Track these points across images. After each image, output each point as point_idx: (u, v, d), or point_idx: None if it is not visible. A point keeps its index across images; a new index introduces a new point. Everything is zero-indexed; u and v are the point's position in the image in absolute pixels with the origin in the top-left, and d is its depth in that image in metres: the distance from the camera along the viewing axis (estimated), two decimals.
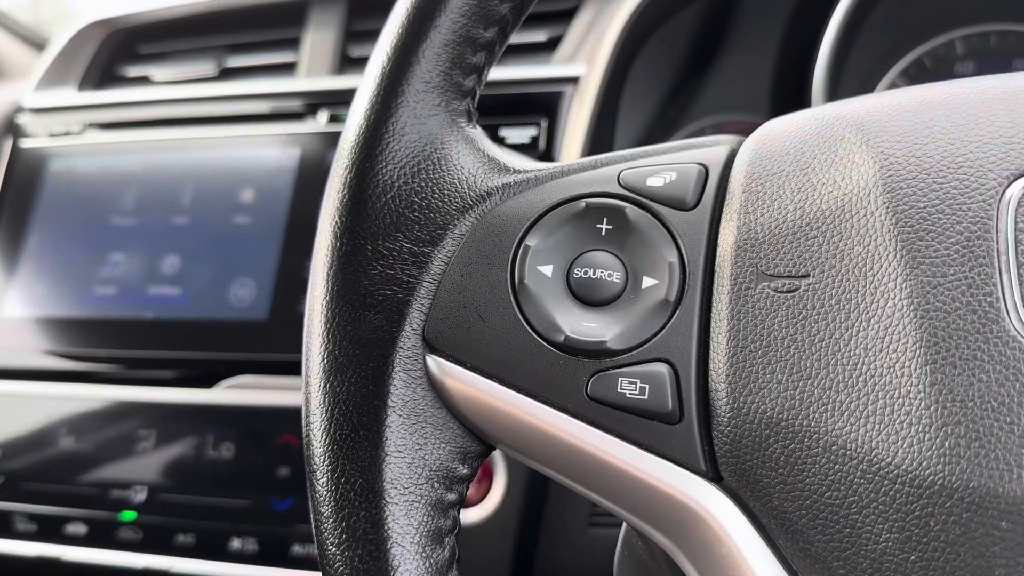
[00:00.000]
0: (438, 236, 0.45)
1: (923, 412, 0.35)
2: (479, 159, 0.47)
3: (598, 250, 0.44)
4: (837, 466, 0.37)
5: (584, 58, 0.85)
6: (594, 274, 0.43)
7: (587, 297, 0.43)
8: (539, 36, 0.90)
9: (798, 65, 0.91)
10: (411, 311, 0.44)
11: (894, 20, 0.91)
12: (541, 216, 0.44)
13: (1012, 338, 0.35)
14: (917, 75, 0.94)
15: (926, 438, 0.35)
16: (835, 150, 0.42)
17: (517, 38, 0.92)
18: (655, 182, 0.44)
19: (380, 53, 0.45)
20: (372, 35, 0.98)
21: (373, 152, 0.44)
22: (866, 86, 0.95)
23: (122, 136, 0.98)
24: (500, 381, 0.43)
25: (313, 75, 0.97)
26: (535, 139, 0.85)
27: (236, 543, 0.82)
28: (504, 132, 0.86)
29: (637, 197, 0.44)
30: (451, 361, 0.43)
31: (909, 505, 0.35)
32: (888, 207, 0.39)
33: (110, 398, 0.88)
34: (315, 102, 0.93)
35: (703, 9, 0.95)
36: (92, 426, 0.87)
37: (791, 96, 0.97)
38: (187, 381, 0.86)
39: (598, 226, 0.44)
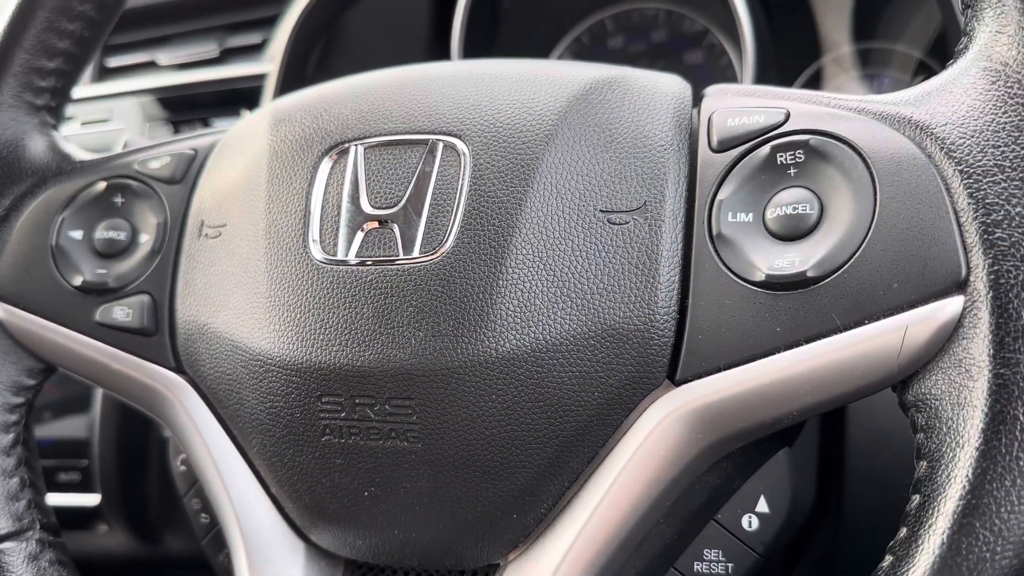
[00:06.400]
0: (4, 217, 0.63)
1: (266, 310, 0.53)
2: (49, 155, 0.64)
3: (114, 217, 0.62)
4: (227, 352, 0.55)
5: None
6: (108, 234, 0.61)
7: (104, 251, 0.61)
8: (255, 39, 1.07)
9: None
10: None
11: (544, 8, 1.08)
12: (75, 195, 0.62)
13: (308, 259, 0.53)
14: (579, 52, 1.11)
15: (267, 327, 0.53)
16: (252, 131, 0.60)
17: (237, 41, 1.09)
18: (155, 164, 0.62)
19: None
20: (129, 47, 1.15)
21: None
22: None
23: None
24: (41, 316, 0.61)
25: None
26: None
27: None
28: (215, 123, 1.03)
29: (141, 175, 0.62)
30: (11, 305, 0.62)
31: (258, 373, 0.53)
32: (267, 167, 0.56)
33: None
34: (73, 109, 1.10)
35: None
36: None
37: None
38: None
39: (114, 200, 0.62)
